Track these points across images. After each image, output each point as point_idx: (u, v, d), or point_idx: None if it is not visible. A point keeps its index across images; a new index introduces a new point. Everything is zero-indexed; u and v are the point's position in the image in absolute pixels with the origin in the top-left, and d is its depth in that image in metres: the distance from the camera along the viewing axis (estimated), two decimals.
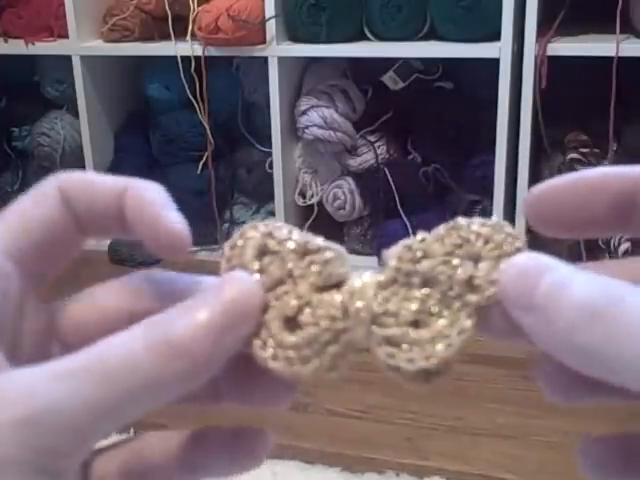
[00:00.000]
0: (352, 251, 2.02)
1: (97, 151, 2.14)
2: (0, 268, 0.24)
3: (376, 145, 1.95)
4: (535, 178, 1.88)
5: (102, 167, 2.16)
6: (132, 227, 0.26)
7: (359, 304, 0.24)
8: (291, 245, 0.25)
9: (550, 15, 1.69)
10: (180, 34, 1.94)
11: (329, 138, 1.89)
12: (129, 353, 0.21)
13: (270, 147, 1.97)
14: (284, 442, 1.28)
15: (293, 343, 0.24)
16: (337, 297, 0.24)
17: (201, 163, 2.01)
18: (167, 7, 1.93)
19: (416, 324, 0.24)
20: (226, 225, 2.09)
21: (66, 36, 2.03)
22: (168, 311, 0.23)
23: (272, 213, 2.04)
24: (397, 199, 1.88)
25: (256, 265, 0.25)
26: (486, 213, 1.90)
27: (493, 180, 1.80)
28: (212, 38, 1.86)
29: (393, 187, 1.89)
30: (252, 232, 0.26)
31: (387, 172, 1.90)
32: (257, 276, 0.25)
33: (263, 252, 0.25)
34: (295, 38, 1.90)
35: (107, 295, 0.27)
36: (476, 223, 0.25)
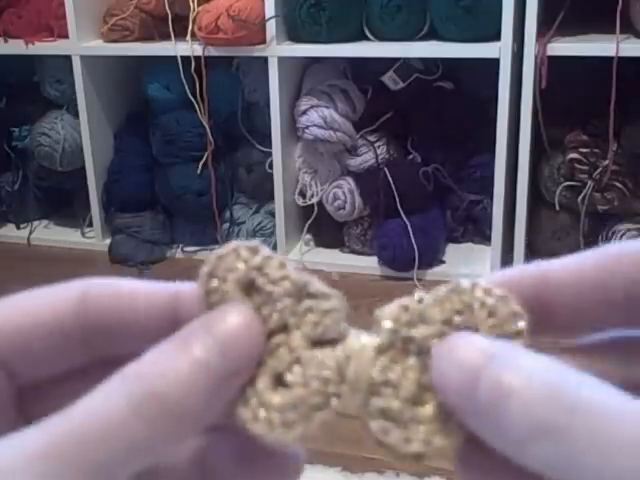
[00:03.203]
0: (352, 251, 2.02)
1: (97, 151, 2.14)
2: None
3: (376, 145, 1.95)
4: (535, 178, 1.88)
5: (102, 167, 2.16)
6: None
7: (358, 369, 0.22)
8: (288, 285, 0.22)
9: (550, 15, 1.69)
10: (180, 34, 1.94)
11: (329, 138, 1.89)
12: (112, 418, 0.19)
13: (270, 147, 1.97)
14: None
15: (278, 405, 0.21)
16: (331, 358, 0.22)
17: (201, 163, 2.01)
18: (167, 7, 1.93)
19: (414, 399, 0.22)
20: (226, 225, 2.09)
21: (66, 36, 2.03)
22: (152, 356, 0.20)
23: (272, 213, 2.04)
24: (397, 199, 1.88)
25: (248, 305, 0.22)
26: (486, 213, 1.90)
27: (493, 180, 1.80)
28: (212, 38, 1.86)
29: (393, 187, 1.89)
30: (234, 261, 0.22)
31: (387, 172, 1.90)
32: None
33: (249, 289, 0.22)
34: (295, 38, 1.89)
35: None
36: (480, 289, 0.22)
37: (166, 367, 0.19)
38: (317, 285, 0.22)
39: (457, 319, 0.22)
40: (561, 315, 0.23)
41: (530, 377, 0.19)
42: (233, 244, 0.22)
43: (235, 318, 0.21)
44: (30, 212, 2.32)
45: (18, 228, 2.33)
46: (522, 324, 0.22)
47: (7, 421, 0.23)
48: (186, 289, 0.23)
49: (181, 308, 0.23)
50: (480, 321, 0.22)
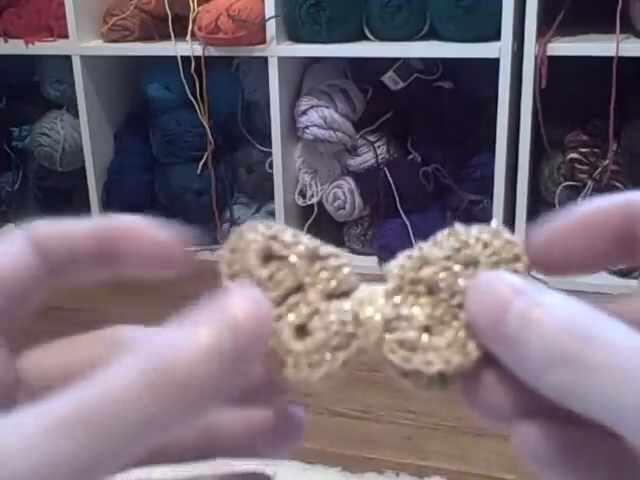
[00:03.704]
0: (352, 251, 2.02)
1: (97, 151, 2.14)
2: None
3: (376, 145, 1.95)
4: (535, 178, 1.88)
5: (102, 167, 2.16)
6: (123, 259, 0.25)
7: (370, 310, 0.23)
8: (301, 249, 0.24)
9: (550, 15, 1.69)
10: (180, 34, 1.94)
11: (329, 138, 1.89)
12: (126, 394, 0.19)
13: (270, 147, 1.97)
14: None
15: (303, 349, 0.23)
16: (346, 304, 0.24)
17: (201, 163, 2.01)
18: (167, 7, 1.93)
19: (428, 330, 0.23)
20: (226, 225, 2.09)
21: (66, 36, 2.03)
22: (164, 335, 0.20)
23: (272, 213, 2.04)
24: (397, 199, 1.88)
25: (264, 272, 0.23)
26: (486, 213, 1.90)
27: (493, 180, 1.80)
28: (212, 38, 1.86)
29: (393, 187, 1.89)
30: (252, 234, 0.25)
31: (387, 172, 1.90)
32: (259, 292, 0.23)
33: (267, 256, 0.24)
34: (295, 38, 1.89)
35: (74, 346, 0.26)
36: (474, 228, 0.25)
37: (179, 346, 0.20)
38: (328, 248, 0.24)
39: (457, 256, 0.24)
40: None
41: (552, 311, 0.21)
42: (249, 223, 0.25)
43: (244, 299, 0.21)
44: (30, 212, 2.32)
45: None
46: (517, 249, 0.24)
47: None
48: (110, 219, 0.25)
49: (105, 235, 0.24)
50: (478, 253, 0.24)
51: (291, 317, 0.23)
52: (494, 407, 0.23)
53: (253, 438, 0.26)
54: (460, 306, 0.23)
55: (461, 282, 0.23)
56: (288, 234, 0.24)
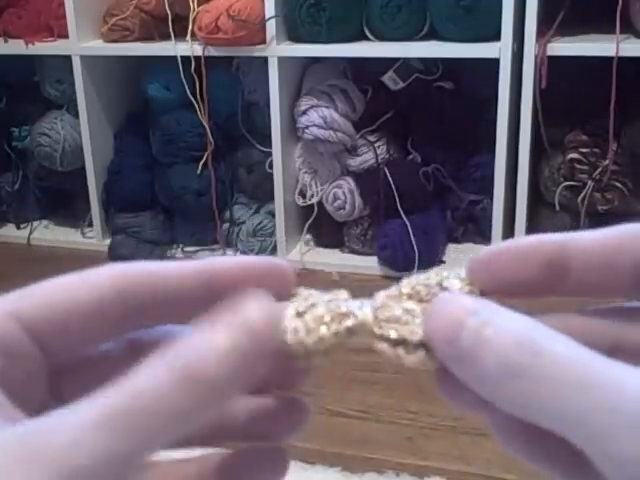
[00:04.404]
0: (352, 251, 2.02)
1: (97, 151, 2.14)
2: (18, 343, 0.24)
3: (376, 145, 1.95)
4: (535, 178, 1.88)
5: (102, 167, 2.16)
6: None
7: (359, 302, 0.26)
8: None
9: (550, 15, 1.69)
10: (180, 34, 1.94)
11: (329, 138, 1.89)
12: (157, 392, 0.21)
13: (270, 147, 1.97)
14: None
15: (301, 320, 0.25)
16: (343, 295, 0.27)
17: (201, 163, 2.01)
18: (167, 7, 1.93)
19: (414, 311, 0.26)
20: (226, 225, 2.09)
21: (66, 36, 2.03)
22: (189, 338, 0.23)
23: (272, 213, 2.04)
24: (397, 199, 1.88)
25: None
26: (486, 213, 1.90)
27: (493, 180, 1.80)
28: (212, 38, 1.86)
29: (393, 187, 1.89)
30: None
31: (387, 172, 1.90)
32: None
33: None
34: (295, 38, 1.90)
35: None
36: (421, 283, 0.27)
37: (202, 347, 0.22)
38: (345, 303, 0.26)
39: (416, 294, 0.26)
40: (576, 277, 0.25)
41: (504, 328, 0.22)
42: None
43: (258, 305, 0.23)
44: (30, 212, 2.32)
45: (18, 228, 2.33)
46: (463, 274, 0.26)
47: (38, 400, 0.25)
48: (216, 263, 0.26)
49: (213, 280, 0.25)
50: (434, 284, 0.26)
51: (295, 305, 0.26)
52: (466, 395, 0.24)
53: (261, 421, 0.28)
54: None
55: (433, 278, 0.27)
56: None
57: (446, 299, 0.24)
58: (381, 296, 0.26)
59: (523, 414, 0.21)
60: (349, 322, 0.25)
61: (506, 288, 0.26)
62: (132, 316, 0.25)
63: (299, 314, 0.26)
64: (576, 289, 0.26)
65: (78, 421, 0.20)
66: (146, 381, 0.21)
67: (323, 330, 0.25)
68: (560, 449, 0.23)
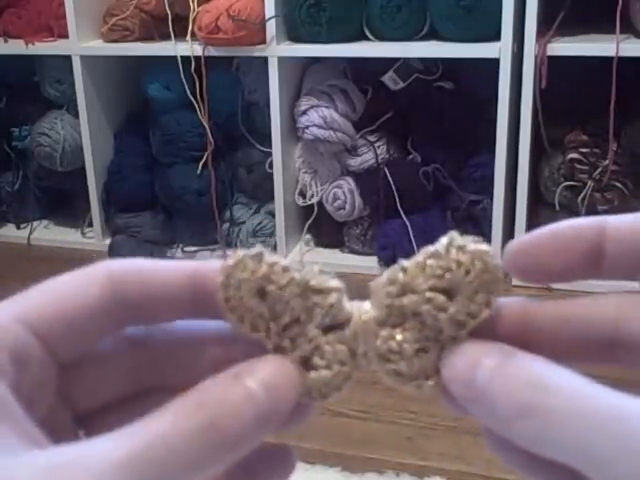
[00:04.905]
0: (352, 251, 2.02)
1: (97, 151, 2.14)
2: (29, 349, 0.24)
3: (376, 145, 1.95)
4: (535, 178, 1.88)
5: (102, 167, 2.16)
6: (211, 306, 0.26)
7: (364, 348, 0.26)
8: (295, 290, 0.26)
9: (550, 15, 1.69)
10: (180, 34, 1.94)
11: (329, 138, 1.89)
12: (177, 441, 0.22)
13: (270, 147, 1.97)
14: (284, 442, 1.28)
15: (312, 383, 0.26)
16: (343, 341, 0.26)
17: (201, 163, 2.01)
18: (167, 7, 1.94)
19: (417, 352, 0.26)
20: (226, 225, 2.09)
21: (66, 36, 2.03)
22: (209, 388, 0.23)
23: (272, 213, 2.04)
24: (397, 199, 1.88)
25: (262, 309, 0.26)
26: (486, 213, 1.90)
27: (493, 180, 1.80)
28: (212, 38, 1.86)
29: (393, 187, 1.89)
30: (242, 273, 0.25)
31: (387, 172, 1.90)
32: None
33: (262, 294, 0.26)
34: (295, 38, 1.90)
35: (120, 361, 0.27)
36: (454, 249, 0.25)
37: (222, 399, 0.23)
38: (318, 279, 0.26)
39: (439, 284, 0.25)
40: (610, 262, 0.26)
41: (515, 368, 0.23)
42: (238, 255, 0.25)
43: (277, 366, 0.25)
44: (30, 212, 2.32)
45: (18, 228, 2.33)
46: (499, 273, 0.26)
47: (47, 403, 0.25)
48: (203, 267, 0.26)
49: (199, 284, 0.26)
50: (459, 280, 0.25)
51: (298, 352, 0.26)
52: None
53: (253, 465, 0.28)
54: (441, 331, 0.26)
55: (443, 316, 0.25)
56: (278, 272, 0.25)
57: (461, 351, 0.25)
58: (383, 335, 0.26)
59: (538, 450, 0.22)
60: (356, 373, 0.26)
61: (544, 274, 0.26)
62: (128, 312, 0.26)
63: (304, 362, 0.26)
64: (608, 273, 0.26)
65: (102, 459, 0.21)
66: (169, 429, 0.22)
67: (337, 393, 0.26)
68: (562, 472, 0.24)
